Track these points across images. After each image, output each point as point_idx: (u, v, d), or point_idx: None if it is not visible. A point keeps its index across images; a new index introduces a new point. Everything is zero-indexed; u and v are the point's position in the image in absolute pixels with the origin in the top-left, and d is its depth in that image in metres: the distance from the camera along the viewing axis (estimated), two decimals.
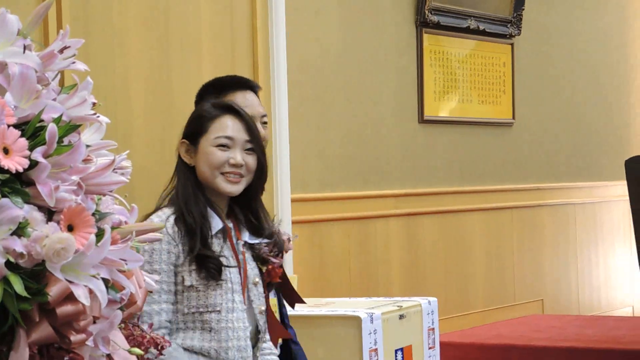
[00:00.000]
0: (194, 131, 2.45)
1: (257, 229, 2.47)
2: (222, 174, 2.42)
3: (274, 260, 2.44)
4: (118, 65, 3.24)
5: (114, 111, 3.06)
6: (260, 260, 2.45)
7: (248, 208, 2.46)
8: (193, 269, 2.37)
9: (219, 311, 2.36)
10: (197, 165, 2.44)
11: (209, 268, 2.36)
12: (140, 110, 3.28)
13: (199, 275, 2.36)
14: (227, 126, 2.43)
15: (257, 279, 2.45)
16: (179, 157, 2.45)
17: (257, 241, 2.45)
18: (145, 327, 2.33)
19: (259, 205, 2.50)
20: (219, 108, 2.47)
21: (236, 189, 2.43)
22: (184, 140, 2.45)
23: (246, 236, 2.45)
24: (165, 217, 2.37)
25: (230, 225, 2.45)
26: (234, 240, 2.44)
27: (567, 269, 6.72)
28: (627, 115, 7.38)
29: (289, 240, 3.07)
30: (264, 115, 2.87)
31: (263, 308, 2.45)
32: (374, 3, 5.37)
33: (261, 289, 2.45)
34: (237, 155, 2.42)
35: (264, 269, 2.45)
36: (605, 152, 7.10)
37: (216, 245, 2.39)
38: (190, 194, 2.40)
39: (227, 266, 2.39)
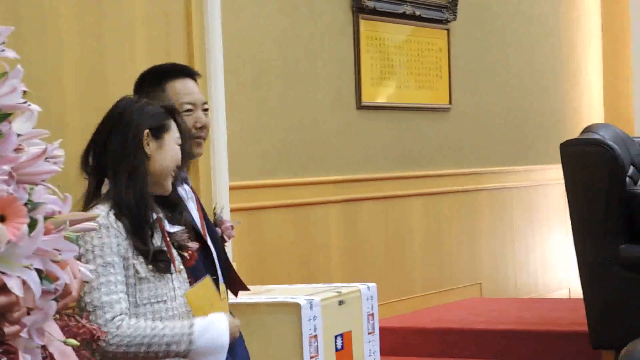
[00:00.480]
0: (160, 125, 2.51)
1: (174, 217, 2.55)
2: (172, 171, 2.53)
3: (191, 245, 2.49)
4: (50, 52, 3.19)
5: (46, 99, 3.01)
6: (179, 247, 2.50)
7: (164, 198, 2.52)
8: (142, 261, 2.39)
9: (165, 301, 2.44)
10: (156, 158, 2.49)
11: (159, 262, 2.41)
12: (73, 98, 3.24)
13: (148, 268, 2.41)
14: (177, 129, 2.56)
15: (181, 267, 2.50)
16: (130, 148, 2.44)
17: (176, 229, 2.51)
18: (100, 313, 2.32)
19: (176, 194, 2.59)
20: (168, 109, 2.56)
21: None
22: (147, 130, 2.46)
23: (167, 225, 2.51)
24: (105, 214, 2.38)
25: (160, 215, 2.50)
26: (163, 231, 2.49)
27: (505, 252, 6.81)
28: (562, 99, 7.48)
29: (232, 227, 3.08)
30: (205, 103, 2.88)
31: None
32: None
33: (185, 276, 2.50)
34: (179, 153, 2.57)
35: (186, 254, 2.50)
36: (541, 136, 7.19)
37: (156, 237, 2.45)
38: (144, 189, 2.43)
39: (171, 262, 2.43)
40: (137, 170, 2.44)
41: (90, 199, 2.47)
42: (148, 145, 2.47)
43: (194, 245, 2.53)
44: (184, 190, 2.80)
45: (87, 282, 2.30)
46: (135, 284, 2.39)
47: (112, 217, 2.40)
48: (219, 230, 3.01)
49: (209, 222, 2.92)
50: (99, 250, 2.36)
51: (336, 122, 5.52)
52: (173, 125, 2.53)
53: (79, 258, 2.29)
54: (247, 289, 2.97)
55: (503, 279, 6.80)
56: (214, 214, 3.01)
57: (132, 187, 2.43)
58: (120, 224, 2.40)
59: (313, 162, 5.35)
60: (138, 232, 2.41)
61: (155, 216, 2.48)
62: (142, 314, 2.39)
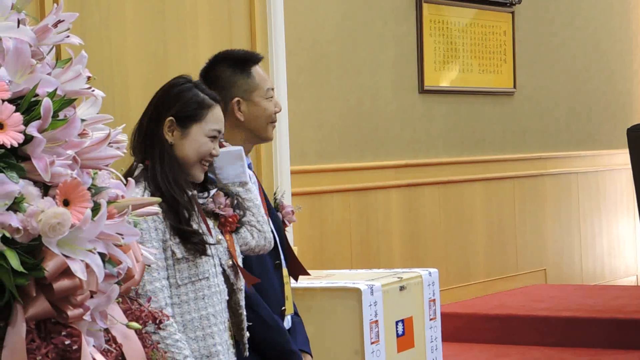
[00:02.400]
0: (188, 115, 2.44)
1: (201, 188, 2.51)
2: (200, 162, 2.46)
3: (222, 212, 2.46)
4: (114, 38, 3.22)
5: (110, 85, 3.05)
6: (212, 215, 2.47)
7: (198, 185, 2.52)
8: (178, 242, 2.38)
9: (208, 278, 2.41)
10: (179, 147, 2.44)
11: (195, 243, 2.39)
12: (137, 83, 3.26)
13: (186, 247, 2.39)
14: (219, 119, 2.47)
15: (220, 237, 2.47)
16: (156, 133, 2.42)
17: (204, 200, 2.47)
18: (143, 301, 2.33)
19: (209, 182, 2.55)
20: (213, 98, 2.47)
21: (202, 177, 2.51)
22: (171, 118, 2.42)
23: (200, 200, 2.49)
24: (141, 194, 2.36)
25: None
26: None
27: (570, 238, 6.73)
28: (630, 82, 7.35)
29: (292, 212, 3.06)
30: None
31: (231, 262, 2.48)
32: None
33: (226, 245, 2.47)
34: (217, 148, 2.48)
35: (217, 223, 2.47)
36: (607, 120, 7.08)
37: (194, 217, 2.42)
38: (176, 172, 2.41)
39: (210, 244, 2.41)
40: (163, 155, 2.41)
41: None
42: (171, 133, 2.43)
43: (228, 212, 2.48)
44: (251, 174, 2.79)
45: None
46: (173, 265, 2.37)
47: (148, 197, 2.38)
48: (279, 215, 3.00)
49: (271, 207, 2.91)
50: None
51: (397, 106, 5.50)
52: (209, 116, 2.43)
53: None
54: (307, 274, 2.96)
55: (568, 265, 6.72)
56: (274, 199, 3.00)
57: (164, 170, 2.40)
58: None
59: (374, 146, 5.33)
60: (173, 213, 2.37)
61: (189, 194, 2.44)
62: (183, 295, 2.38)
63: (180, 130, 2.44)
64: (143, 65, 3.31)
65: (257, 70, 2.76)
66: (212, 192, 2.50)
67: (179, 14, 3.47)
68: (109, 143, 1.57)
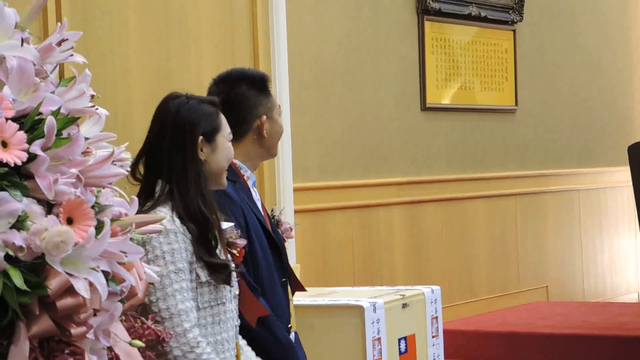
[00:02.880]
0: (212, 129, 2.46)
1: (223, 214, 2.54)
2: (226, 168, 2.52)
3: (239, 242, 2.48)
4: (117, 57, 3.23)
5: (113, 103, 3.05)
6: (227, 244, 2.48)
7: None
8: (202, 266, 2.39)
9: (224, 303, 2.42)
10: (212, 162, 2.46)
11: (222, 273, 2.40)
12: (140, 101, 3.27)
13: (209, 272, 2.39)
14: (227, 123, 2.51)
15: (232, 265, 2.48)
16: (188, 154, 2.42)
17: (225, 226, 2.49)
18: (177, 320, 2.31)
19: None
20: (215, 104, 2.51)
21: None
22: (201, 137, 2.44)
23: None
24: (170, 218, 2.36)
25: None
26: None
27: (572, 255, 6.72)
28: (631, 99, 7.36)
29: (290, 229, 3.10)
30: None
31: (237, 292, 2.49)
32: None
33: (235, 274, 2.49)
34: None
35: (234, 252, 2.48)
36: (608, 137, 7.09)
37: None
38: (209, 193, 2.42)
39: (233, 270, 2.42)
40: (199, 176, 2.42)
41: (145, 201, 2.44)
42: (202, 151, 2.44)
43: (242, 242, 2.52)
44: (254, 192, 2.81)
45: (159, 287, 2.31)
46: (196, 288, 2.38)
47: (177, 221, 2.37)
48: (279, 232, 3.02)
49: (273, 224, 2.93)
50: (169, 256, 2.33)
51: (400, 124, 5.50)
52: (223, 121, 2.48)
53: (147, 263, 2.30)
54: (304, 290, 2.98)
55: (570, 283, 6.71)
56: (272, 216, 3.02)
57: (197, 193, 2.40)
58: (185, 228, 2.38)
59: (376, 163, 5.34)
60: (203, 239, 2.39)
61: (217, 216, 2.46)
62: (202, 318, 2.38)
63: (209, 145, 2.46)
64: (146, 83, 3.31)
65: (271, 89, 2.83)
66: (229, 224, 2.50)
67: (182, 31, 3.48)
68: (113, 161, 1.57)
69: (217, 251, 2.42)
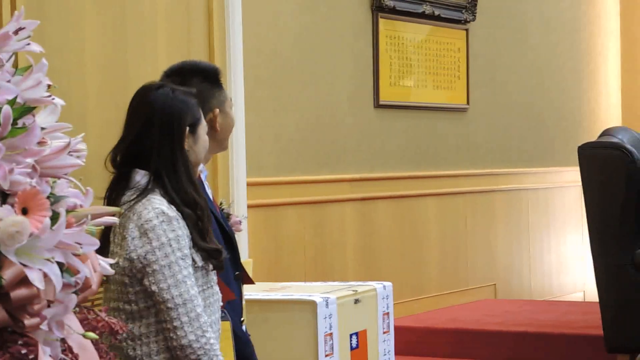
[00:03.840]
0: (195, 120, 2.50)
1: None
2: None
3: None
4: (72, 46, 3.20)
5: (68, 93, 3.03)
6: None
7: None
8: (196, 250, 2.41)
9: (212, 286, 2.45)
10: (194, 152, 2.49)
11: (216, 259, 2.43)
12: (95, 92, 3.25)
13: (203, 257, 2.41)
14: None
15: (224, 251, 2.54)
16: (176, 144, 2.43)
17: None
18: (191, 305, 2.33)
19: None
20: (195, 95, 2.54)
21: None
22: (187, 128, 2.47)
23: None
24: (167, 206, 2.37)
25: None
26: None
27: (520, 254, 6.79)
28: (579, 101, 7.45)
29: (239, 222, 3.14)
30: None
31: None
32: None
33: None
34: None
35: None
36: (558, 137, 7.17)
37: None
38: (196, 181, 2.44)
39: (225, 256, 2.48)
40: (187, 166, 2.44)
41: (122, 190, 2.43)
42: (187, 141, 2.47)
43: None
44: (206, 185, 2.82)
45: (170, 275, 2.32)
46: (193, 273, 2.40)
47: (173, 207, 2.39)
48: None
49: (224, 218, 2.94)
50: (175, 243, 2.33)
51: (353, 121, 5.52)
52: (199, 112, 2.51)
53: (152, 251, 2.32)
54: (252, 283, 3.00)
55: (518, 281, 6.78)
56: (221, 209, 3.03)
57: (188, 181, 2.42)
58: (180, 215, 2.40)
59: (330, 160, 5.35)
60: (199, 226, 2.41)
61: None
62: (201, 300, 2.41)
63: (192, 136, 2.48)
64: (101, 75, 3.29)
65: (222, 82, 2.84)
66: None
67: (138, 23, 3.46)
68: (69, 152, 1.56)
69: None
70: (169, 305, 2.31)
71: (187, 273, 2.34)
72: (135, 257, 2.33)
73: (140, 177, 2.41)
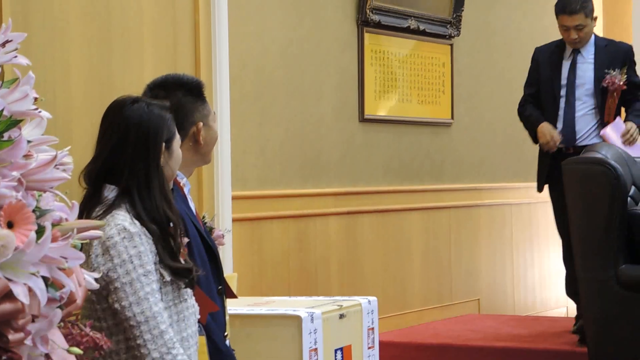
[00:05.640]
0: (171, 135, 2.48)
1: None
2: None
3: (183, 240, 2.49)
4: (58, 59, 3.19)
5: (54, 106, 3.01)
6: None
7: None
8: (164, 266, 2.38)
9: (186, 299, 2.43)
10: (168, 168, 2.48)
11: (185, 277, 2.41)
12: (80, 105, 3.23)
13: (173, 275, 2.39)
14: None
15: (195, 268, 2.51)
16: (152, 160, 2.41)
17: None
18: (153, 323, 2.31)
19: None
20: (170, 110, 2.51)
21: None
22: (164, 143, 2.45)
23: None
24: (130, 221, 2.34)
25: None
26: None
27: (503, 269, 6.80)
28: None
29: (222, 236, 3.14)
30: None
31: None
32: (316, 1, 5.37)
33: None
34: None
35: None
36: None
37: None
38: (171, 201, 2.42)
39: (196, 274, 2.44)
40: (163, 182, 2.42)
41: (93, 206, 2.42)
42: (162, 156, 2.45)
43: (185, 240, 2.53)
44: (189, 199, 2.81)
45: (131, 292, 2.29)
46: (161, 288, 2.37)
47: (137, 223, 2.37)
48: None
49: (207, 232, 2.93)
50: (137, 260, 2.31)
51: (338, 135, 5.52)
52: (174, 127, 2.50)
53: (113, 268, 2.29)
54: (235, 297, 3.00)
55: (501, 296, 6.78)
56: (204, 223, 3.02)
57: (162, 198, 2.40)
58: (146, 230, 2.37)
59: (314, 173, 5.35)
60: (166, 242, 2.38)
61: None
62: (168, 316, 2.37)
63: (167, 151, 2.47)
64: (87, 88, 3.28)
65: (205, 96, 2.85)
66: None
67: (125, 37, 3.45)
68: (55, 165, 1.55)
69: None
70: (132, 322, 2.29)
71: (150, 289, 2.32)
72: (99, 277, 2.31)
73: (109, 192, 2.40)
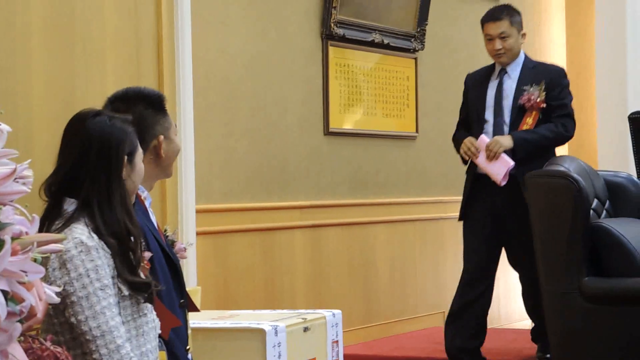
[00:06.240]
0: (133, 148, 2.47)
1: None
2: None
3: (145, 254, 2.48)
4: (19, 73, 3.17)
5: (14, 119, 2.99)
6: None
7: None
8: (123, 280, 2.37)
9: (146, 314, 2.42)
10: (130, 181, 2.47)
11: (144, 292, 2.40)
12: (42, 118, 3.21)
13: (132, 290, 2.38)
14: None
15: (154, 283, 2.49)
16: (113, 174, 2.39)
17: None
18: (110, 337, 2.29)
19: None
20: (132, 123, 2.50)
21: None
22: (126, 157, 2.43)
23: None
24: (88, 235, 2.33)
25: None
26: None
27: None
28: None
29: (184, 249, 3.14)
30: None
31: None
32: (281, 14, 5.38)
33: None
34: None
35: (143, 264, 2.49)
36: None
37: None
38: (132, 215, 2.41)
39: (155, 289, 2.42)
40: (125, 196, 2.40)
41: (53, 219, 2.40)
42: (125, 169, 2.44)
43: (148, 254, 2.52)
44: (150, 213, 2.80)
45: (87, 306, 2.27)
46: (119, 302, 2.36)
47: (95, 237, 2.35)
48: None
49: (169, 245, 2.92)
50: (94, 273, 2.30)
51: (303, 148, 5.52)
52: (138, 142, 2.50)
53: (70, 282, 2.28)
54: (197, 310, 2.98)
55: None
56: (166, 236, 3.01)
57: (123, 211, 2.38)
58: (104, 244, 2.36)
59: (279, 186, 5.34)
60: (124, 256, 2.37)
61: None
62: (126, 330, 2.35)
63: (129, 165, 2.46)
64: (49, 101, 3.26)
65: (166, 109, 2.84)
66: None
67: (87, 49, 3.43)
68: (15, 178, 1.54)
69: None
70: (88, 337, 2.28)
71: (107, 304, 2.30)
72: (60, 291, 2.29)
73: (69, 205, 2.39)
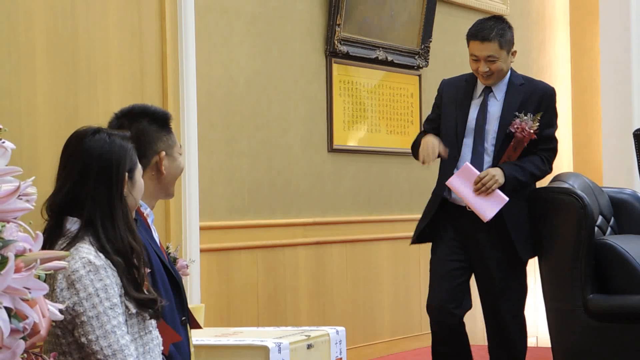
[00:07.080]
0: (133, 165, 2.48)
1: None
2: None
3: (145, 270, 2.49)
4: (23, 91, 3.18)
5: (18, 137, 3.00)
6: None
7: None
8: (130, 298, 2.38)
9: (151, 331, 2.43)
10: (131, 198, 2.48)
11: (151, 308, 2.41)
12: (46, 136, 3.22)
13: (138, 307, 2.39)
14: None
15: (160, 299, 2.50)
16: (115, 191, 2.40)
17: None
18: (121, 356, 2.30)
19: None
20: (131, 140, 2.51)
21: None
22: (127, 174, 2.44)
23: None
24: (95, 254, 2.33)
25: None
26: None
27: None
28: None
29: (186, 266, 3.15)
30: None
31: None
32: (284, 32, 5.39)
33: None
34: None
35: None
36: None
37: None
38: (135, 232, 2.42)
39: (161, 304, 2.44)
40: (127, 213, 2.41)
41: (55, 239, 2.40)
42: (126, 187, 2.45)
43: (147, 270, 2.52)
44: (153, 230, 2.80)
45: (98, 325, 2.28)
46: (127, 320, 2.36)
47: (102, 256, 2.36)
48: None
49: (171, 263, 2.93)
50: (103, 293, 2.30)
51: (307, 165, 5.53)
52: (137, 158, 2.50)
53: (79, 302, 2.28)
54: (200, 327, 2.98)
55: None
56: (168, 253, 3.02)
57: (126, 229, 2.39)
58: (110, 262, 2.36)
59: (283, 204, 5.34)
60: (130, 274, 2.37)
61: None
62: (134, 348, 2.36)
63: (130, 182, 2.47)
64: (53, 119, 3.26)
65: (172, 127, 2.85)
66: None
67: (90, 68, 3.44)
68: (19, 196, 1.54)
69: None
70: (99, 357, 2.28)
71: (117, 323, 2.31)
72: (64, 309, 2.29)
73: (72, 224, 2.39)
